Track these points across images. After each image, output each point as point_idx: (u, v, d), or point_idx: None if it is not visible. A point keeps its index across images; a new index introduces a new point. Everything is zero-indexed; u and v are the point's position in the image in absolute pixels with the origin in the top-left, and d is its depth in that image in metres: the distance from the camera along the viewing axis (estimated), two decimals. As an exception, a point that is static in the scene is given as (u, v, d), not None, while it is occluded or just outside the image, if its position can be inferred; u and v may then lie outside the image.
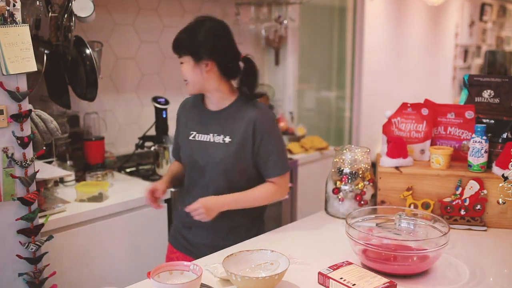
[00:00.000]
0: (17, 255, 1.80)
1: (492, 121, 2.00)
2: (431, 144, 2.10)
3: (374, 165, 2.10)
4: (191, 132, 1.89)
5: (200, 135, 1.87)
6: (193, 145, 1.87)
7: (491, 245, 1.76)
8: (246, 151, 1.82)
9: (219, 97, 1.86)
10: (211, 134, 1.85)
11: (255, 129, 1.81)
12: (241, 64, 1.86)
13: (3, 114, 1.71)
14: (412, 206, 1.93)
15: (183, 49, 1.79)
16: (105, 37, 2.87)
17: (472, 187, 1.89)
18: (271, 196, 1.89)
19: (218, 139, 1.84)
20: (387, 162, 2.01)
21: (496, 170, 1.89)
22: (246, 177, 1.87)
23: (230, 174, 1.83)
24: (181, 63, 1.81)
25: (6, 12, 1.68)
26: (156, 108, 2.82)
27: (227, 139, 1.82)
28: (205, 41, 1.76)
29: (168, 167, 2.16)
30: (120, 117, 3.03)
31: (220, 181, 1.84)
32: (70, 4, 2.26)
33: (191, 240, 1.92)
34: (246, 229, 1.91)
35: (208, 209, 1.75)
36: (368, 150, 2.04)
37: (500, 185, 1.63)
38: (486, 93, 2.07)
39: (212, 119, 1.87)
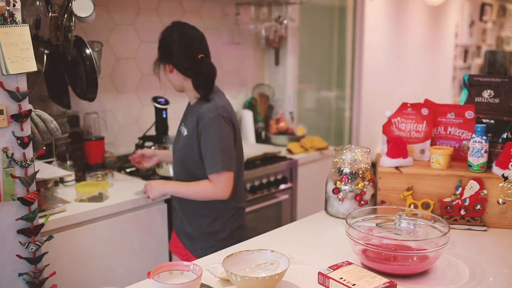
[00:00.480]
0: (17, 255, 1.80)
1: (492, 121, 2.00)
2: (431, 144, 2.10)
3: (374, 165, 2.10)
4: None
5: (180, 127, 2.15)
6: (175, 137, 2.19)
7: (491, 245, 1.76)
8: (194, 143, 2.01)
9: (190, 95, 2.10)
10: (181, 127, 2.13)
11: (198, 123, 2.00)
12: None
13: (3, 114, 1.71)
14: (412, 206, 1.93)
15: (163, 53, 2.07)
16: (105, 37, 2.87)
17: (472, 187, 1.89)
18: (203, 193, 2.00)
19: (183, 131, 2.09)
20: (387, 162, 2.01)
21: (496, 170, 1.89)
22: (202, 169, 2.01)
23: (186, 164, 2.06)
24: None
25: (6, 12, 1.68)
26: (156, 108, 2.82)
27: (185, 132, 2.07)
28: (162, 46, 2.04)
29: None
30: (120, 117, 3.03)
31: (179, 171, 2.12)
32: (70, 4, 2.26)
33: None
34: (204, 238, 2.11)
35: (150, 188, 2.12)
36: (368, 150, 2.04)
37: (500, 185, 1.63)
38: (486, 93, 2.07)
39: (187, 113, 2.16)
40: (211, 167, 1.96)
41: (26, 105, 1.77)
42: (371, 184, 2.01)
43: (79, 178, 2.56)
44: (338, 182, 2.01)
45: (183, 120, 2.17)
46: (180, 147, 2.09)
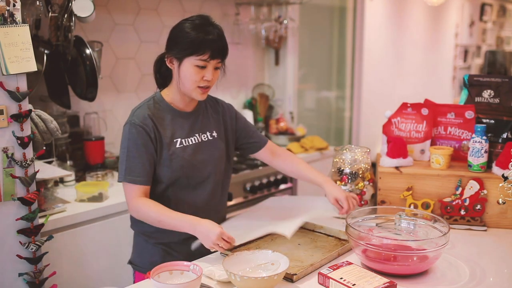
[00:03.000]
0: (17, 255, 1.80)
1: (492, 121, 2.00)
2: (431, 144, 2.10)
3: (374, 165, 2.10)
4: (175, 140, 1.75)
5: (187, 139, 1.77)
6: (185, 152, 1.75)
7: (491, 245, 1.76)
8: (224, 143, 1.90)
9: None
10: (197, 134, 1.80)
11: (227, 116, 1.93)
12: None
13: (3, 114, 1.71)
14: (412, 206, 1.93)
15: (227, 53, 1.73)
16: (105, 37, 2.87)
17: (472, 187, 1.89)
18: None
19: (204, 137, 1.81)
20: (387, 162, 2.01)
21: (496, 170, 1.89)
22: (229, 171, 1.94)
23: (221, 172, 1.87)
24: (217, 68, 1.72)
25: (6, 12, 1.68)
26: (156, 108, 2.81)
27: (213, 135, 1.84)
28: (226, 46, 1.73)
29: (158, 212, 1.66)
30: (120, 117, 3.03)
31: (218, 176, 1.84)
32: (70, 4, 2.26)
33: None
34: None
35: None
36: (368, 150, 2.04)
37: (500, 185, 1.63)
38: (486, 93, 2.07)
39: (189, 119, 1.80)
40: (263, 139, 1.99)
41: (26, 105, 1.77)
42: (371, 184, 2.01)
43: (79, 178, 2.56)
44: (338, 182, 2.01)
45: (192, 128, 1.80)
46: (219, 153, 1.84)
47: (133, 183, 1.67)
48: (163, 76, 1.82)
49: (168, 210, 1.65)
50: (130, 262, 1.89)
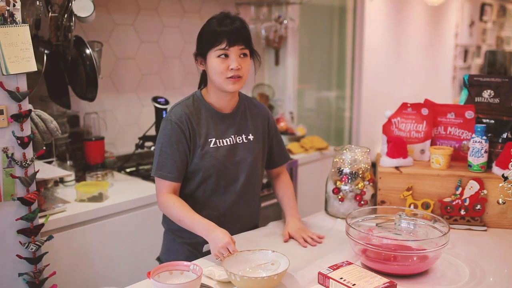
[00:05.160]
0: (17, 255, 1.80)
1: (492, 121, 2.00)
2: (431, 144, 2.10)
3: (374, 165, 2.10)
4: (210, 140, 1.75)
5: (222, 139, 1.77)
6: (218, 152, 1.75)
7: (491, 245, 1.76)
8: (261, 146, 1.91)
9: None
10: (233, 136, 1.80)
11: (265, 119, 1.94)
12: None
13: (3, 114, 1.71)
14: (412, 206, 1.93)
15: (249, 39, 1.71)
16: (105, 37, 2.87)
17: (472, 187, 1.89)
18: None
19: (240, 139, 1.81)
20: (387, 162, 2.01)
21: (496, 170, 1.89)
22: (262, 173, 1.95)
23: (255, 175, 1.87)
24: (243, 55, 1.69)
25: (6, 12, 1.68)
26: (156, 108, 2.82)
27: (249, 137, 1.83)
28: (250, 38, 1.73)
29: (181, 211, 1.67)
30: (120, 117, 3.03)
31: (248, 180, 1.84)
32: (70, 4, 2.26)
33: None
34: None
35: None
36: (368, 150, 2.04)
37: (500, 185, 1.63)
38: (486, 93, 2.07)
39: (226, 119, 1.80)
40: (287, 157, 2.01)
41: (26, 105, 1.77)
42: (371, 184, 2.01)
43: (79, 178, 2.56)
44: (338, 182, 2.01)
45: (227, 129, 1.79)
46: (253, 157, 1.82)
47: (163, 179, 1.71)
48: (205, 78, 1.83)
49: (191, 211, 1.67)
50: (158, 259, 1.94)
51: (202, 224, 1.63)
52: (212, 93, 1.78)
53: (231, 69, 1.67)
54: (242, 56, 1.69)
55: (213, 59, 1.68)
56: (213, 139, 1.75)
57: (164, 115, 2.82)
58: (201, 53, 1.72)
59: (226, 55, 1.67)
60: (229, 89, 1.70)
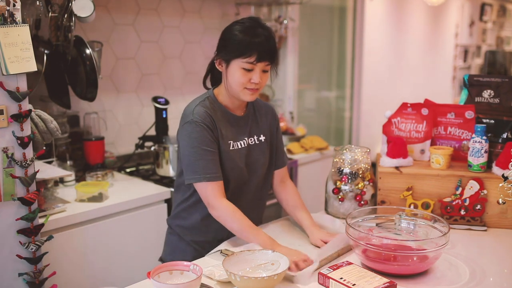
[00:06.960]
0: (17, 255, 1.80)
1: (492, 121, 2.00)
2: (431, 144, 2.10)
3: (374, 165, 2.10)
4: (229, 142, 1.75)
5: (237, 142, 1.77)
6: (235, 155, 1.75)
7: (491, 245, 1.76)
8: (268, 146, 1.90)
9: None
10: (246, 138, 1.80)
11: (271, 119, 1.92)
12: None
13: (3, 114, 1.71)
14: (412, 206, 1.93)
15: (276, 55, 1.70)
16: (105, 37, 2.87)
17: (472, 187, 1.89)
18: None
19: (252, 141, 1.81)
20: (387, 162, 2.01)
21: (496, 170, 1.89)
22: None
23: (266, 175, 1.87)
24: (265, 71, 1.68)
25: (6, 12, 1.68)
26: (156, 108, 2.82)
27: (260, 139, 1.83)
28: (275, 48, 1.71)
29: (242, 225, 1.66)
30: (120, 117, 3.03)
31: (261, 181, 1.85)
32: (70, 4, 2.26)
33: None
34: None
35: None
36: (368, 150, 2.04)
37: (500, 185, 1.63)
38: (486, 93, 2.07)
39: (239, 122, 1.80)
40: (285, 160, 1.95)
41: (26, 105, 1.77)
42: (371, 184, 2.01)
43: (79, 178, 2.56)
44: (338, 182, 2.01)
45: (241, 132, 1.80)
46: (265, 158, 1.84)
47: (213, 181, 1.66)
48: (215, 77, 1.81)
49: (250, 226, 1.65)
50: (161, 259, 1.93)
51: (267, 243, 1.61)
52: (224, 95, 1.76)
53: (252, 82, 1.66)
54: (264, 71, 1.68)
55: (237, 69, 1.65)
56: (231, 142, 1.75)
57: (164, 115, 2.82)
58: (225, 59, 1.68)
59: (251, 69, 1.64)
60: (246, 99, 1.70)
